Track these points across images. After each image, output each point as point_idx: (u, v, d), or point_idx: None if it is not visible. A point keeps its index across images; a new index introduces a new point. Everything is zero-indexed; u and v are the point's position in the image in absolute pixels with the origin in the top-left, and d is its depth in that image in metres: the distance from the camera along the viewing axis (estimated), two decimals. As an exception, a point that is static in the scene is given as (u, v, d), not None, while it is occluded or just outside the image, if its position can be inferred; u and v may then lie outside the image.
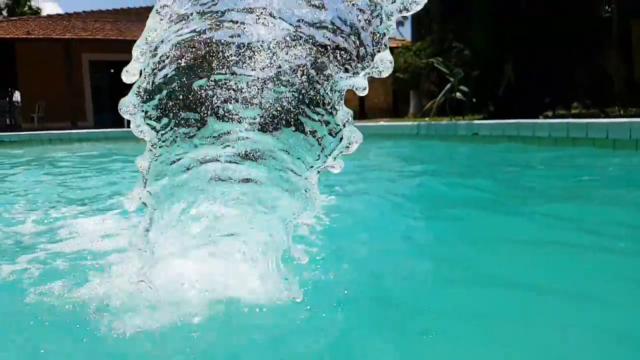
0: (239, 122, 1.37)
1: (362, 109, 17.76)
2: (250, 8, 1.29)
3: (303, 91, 1.31)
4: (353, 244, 2.11)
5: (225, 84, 1.35)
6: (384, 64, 1.26)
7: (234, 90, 1.35)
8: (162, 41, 1.33)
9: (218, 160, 1.39)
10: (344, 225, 2.49)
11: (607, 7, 13.30)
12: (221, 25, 1.33)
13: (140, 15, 18.98)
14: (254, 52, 1.31)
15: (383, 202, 3.21)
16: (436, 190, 3.70)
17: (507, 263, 1.88)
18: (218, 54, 1.33)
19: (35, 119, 16.86)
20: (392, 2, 1.23)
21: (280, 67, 1.31)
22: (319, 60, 1.29)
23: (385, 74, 1.27)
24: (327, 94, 1.31)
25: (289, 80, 1.32)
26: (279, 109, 1.33)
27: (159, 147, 1.39)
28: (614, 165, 4.82)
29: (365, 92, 1.28)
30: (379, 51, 1.28)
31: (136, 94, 1.33)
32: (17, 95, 24.97)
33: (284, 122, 1.34)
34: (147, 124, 1.37)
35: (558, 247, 2.04)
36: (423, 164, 6.10)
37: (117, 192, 3.65)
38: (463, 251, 2.07)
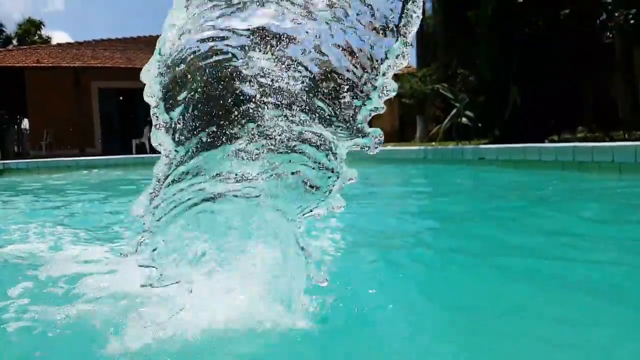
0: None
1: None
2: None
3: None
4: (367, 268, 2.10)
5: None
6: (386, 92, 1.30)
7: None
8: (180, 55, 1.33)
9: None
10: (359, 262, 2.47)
11: (608, 34, 13.43)
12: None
13: (149, 43, 19.31)
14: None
15: (397, 225, 3.19)
16: (449, 212, 3.68)
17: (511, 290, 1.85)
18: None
19: (43, 146, 17.03)
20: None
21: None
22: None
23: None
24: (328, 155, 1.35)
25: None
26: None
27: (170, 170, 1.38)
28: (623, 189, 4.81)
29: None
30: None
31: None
32: (25, 123, 25.32)
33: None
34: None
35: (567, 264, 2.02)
36: (434, 187, 6.10)
37: (121, 220, 3.65)
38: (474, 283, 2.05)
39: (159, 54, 1.30)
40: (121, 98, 19.37)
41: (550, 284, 1.88)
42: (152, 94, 1.32)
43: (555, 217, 3.44)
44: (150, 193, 1.34)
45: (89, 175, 9.93)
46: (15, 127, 28.06)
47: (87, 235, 3.06)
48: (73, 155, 14.12)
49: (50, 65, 17.70)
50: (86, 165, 11.73)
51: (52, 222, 3.66)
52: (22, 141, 22.52)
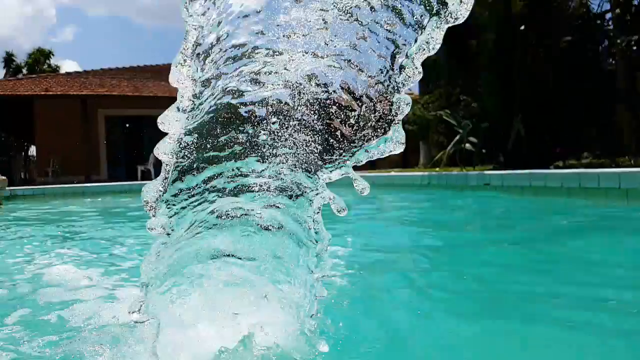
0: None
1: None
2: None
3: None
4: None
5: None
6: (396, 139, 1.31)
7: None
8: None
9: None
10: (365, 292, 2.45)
11: (610, 60, 13.55)
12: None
13: (156, 72, 19.63)
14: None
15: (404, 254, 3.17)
16: (455, 238, 3.65)
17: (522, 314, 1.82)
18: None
19: (50, 172, 17.17)
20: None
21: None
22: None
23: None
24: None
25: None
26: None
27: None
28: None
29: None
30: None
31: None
32: (32, 150, 25.57)
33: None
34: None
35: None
36: (438, 214, 6.07)
37: (123, 246, 3.64)
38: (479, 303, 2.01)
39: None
40: (127, 125, 19.58)
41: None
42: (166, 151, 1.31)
43: (576, 245, 3.41)
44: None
45: (94, 201, 9.96)
46: (22, 154, 28.34)
47: (89, 261, 3.05)
48: (79, 182, 14.21)
49: (59, 93, 17.98)
50: (92, 191, 11.78)
51: (54, 248, 3.65)
52: (29, 168, 22.69)
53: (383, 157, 1.35)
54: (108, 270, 2.74)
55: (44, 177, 17.25)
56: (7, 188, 11.11)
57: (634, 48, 11.27)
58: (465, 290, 2.28)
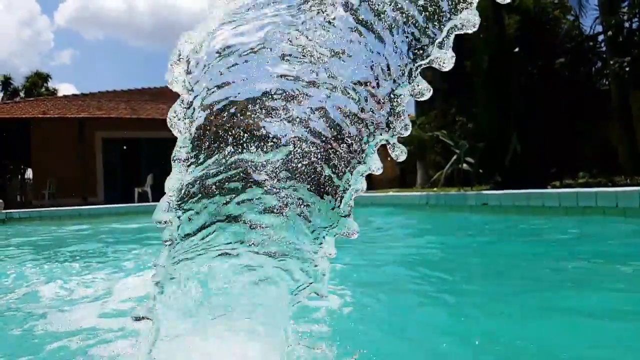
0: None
1: (369, 178, 17.94)
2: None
3: None
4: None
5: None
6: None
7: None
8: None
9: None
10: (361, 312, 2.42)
11: (604, 80, 13.72)
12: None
13: (154, 95, 19.74)
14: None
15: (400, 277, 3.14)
16: (450, 258, 3.63)
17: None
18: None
19: (46, 195, 17.09)
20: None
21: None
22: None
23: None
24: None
25: None
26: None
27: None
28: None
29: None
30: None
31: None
32: (29, 173, 25.52)
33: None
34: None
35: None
36: (437, 233, 6.05)
37: (120, 269, 3.61)
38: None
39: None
40: (125, 147, 19.59)
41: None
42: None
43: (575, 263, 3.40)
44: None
45: (90, 224, 9.89)
46: (19, 176, 28.27)
47: (84, 284, 3.01)
48: (75, 205, 14.14)
49: (56, 116, 18.02)
50: (88, 214, 11.72)
51: (49, 271, 3.61)
52: (25, 191, 22.59)
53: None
54: (100, 292, 2.71)
55: (40, 199, 17.17)
56: (2, 211, 11.04)
57: (627, 69, 11.41)
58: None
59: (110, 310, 2.25)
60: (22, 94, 37.74)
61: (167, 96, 18.30)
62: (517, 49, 12.69)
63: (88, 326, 1.95)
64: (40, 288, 2.90)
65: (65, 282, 3.07)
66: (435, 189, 11.64)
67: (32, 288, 2.93)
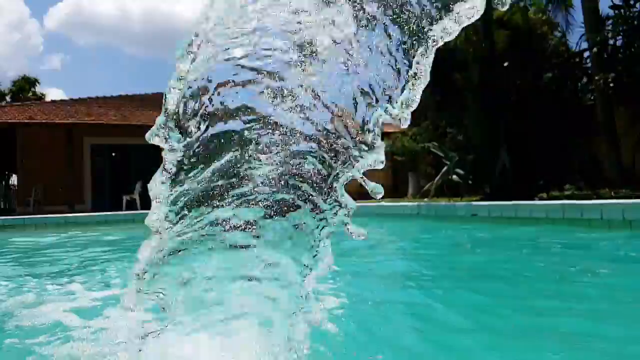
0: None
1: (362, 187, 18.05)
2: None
3: None
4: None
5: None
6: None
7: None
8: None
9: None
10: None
11: (589, 96, 13.95)
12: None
13: (144, 101, 19.58)
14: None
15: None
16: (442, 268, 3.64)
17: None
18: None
19: (31, 202, 16.78)
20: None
21: None
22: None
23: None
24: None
25: None
26: None
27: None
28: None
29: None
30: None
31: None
32: (13, 179, 25.17)
33: None
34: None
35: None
36: (430, 243, 6.09)
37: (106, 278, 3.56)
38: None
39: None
40: (114, 154, 19.40)
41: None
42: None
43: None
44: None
45: (77, 232, 9.76)
46: (3, 183, 27.85)
47: (71, 293, 2.95)
48: (62, 212, 13.95)
49: (43, 121, 17.76)
50: (75, 222, 11.55)
51: (36, 280, 3.56)
52: (9, 197, 22.24)
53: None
54: (88, 300, 2.68)
55: (25, 206, 16.88)
56: (-14, 217, 10.86)
57: (611, 85, 11.63)
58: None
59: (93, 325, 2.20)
60: (8, 99, 37.30)
61: (157, 103, 18.18)
62: (506, 64, 12.88)
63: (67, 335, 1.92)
64: (18, 299, 2.82)
65: (45, 294, 3.00)
66: (425, 199, 11.71)
67: (13, 296, 2.87)
